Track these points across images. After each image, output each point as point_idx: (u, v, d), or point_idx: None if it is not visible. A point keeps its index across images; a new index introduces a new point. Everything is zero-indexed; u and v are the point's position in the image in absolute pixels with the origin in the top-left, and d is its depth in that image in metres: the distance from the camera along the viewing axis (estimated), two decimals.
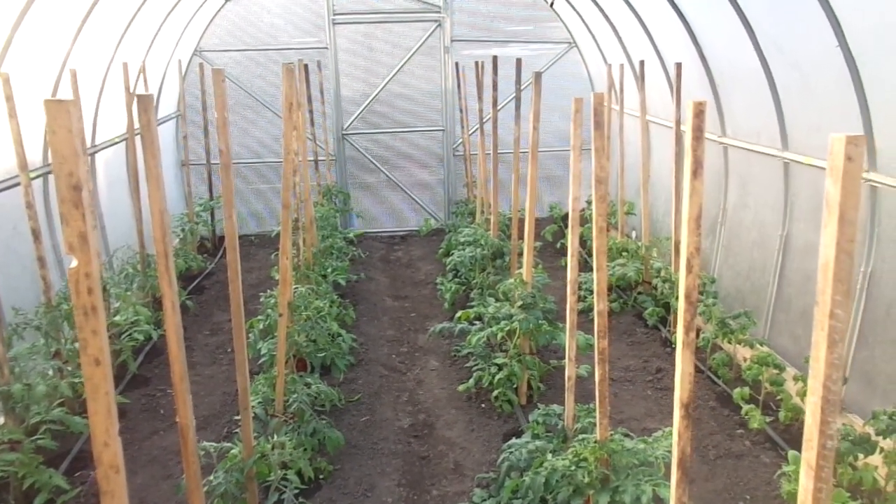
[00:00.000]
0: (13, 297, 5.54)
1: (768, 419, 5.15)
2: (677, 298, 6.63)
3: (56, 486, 4.40)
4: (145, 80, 8.33)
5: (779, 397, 5.20)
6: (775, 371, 5.20)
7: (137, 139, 7.61)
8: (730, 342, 5.85)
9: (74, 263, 1.62)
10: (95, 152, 7.39)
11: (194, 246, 9.57)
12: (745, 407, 5.14)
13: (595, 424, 3.73)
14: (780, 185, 5.85)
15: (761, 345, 5.70)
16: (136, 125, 7.78)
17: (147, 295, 7.54)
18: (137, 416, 5.82)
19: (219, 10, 10.40)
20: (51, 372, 5.09)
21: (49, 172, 6.44)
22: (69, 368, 5.31)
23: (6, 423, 4.68)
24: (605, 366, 3.39)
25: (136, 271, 7.40)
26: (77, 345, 5.58)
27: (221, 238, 10.91)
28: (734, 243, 6.77)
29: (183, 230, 9.36)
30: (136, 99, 2.27)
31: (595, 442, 3.56)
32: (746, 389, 5.25)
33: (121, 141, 8.03)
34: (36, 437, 4.60)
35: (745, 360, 5.92)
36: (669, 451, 3.58)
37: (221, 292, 8.37)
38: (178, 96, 10.39)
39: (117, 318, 6.09)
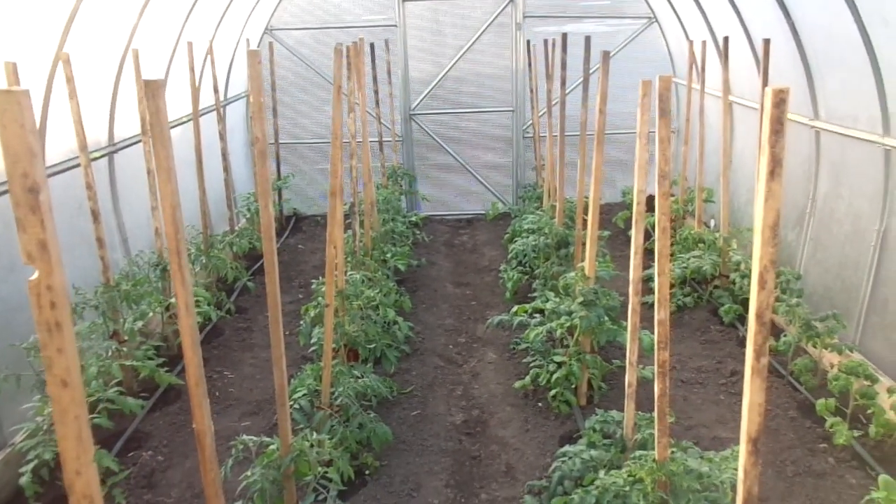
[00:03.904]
0: (78, 276, 5.60)
1: (856, 433, 4.64)
2: None
3: (106, 467, 4.40)
4: (212, 61, 8.33)
5: (869, 410, 4.68)
6: (867, 383, 4.69)
7: (202, 119, 7.62)
8: (815, 346, 5.33)
9: (35, 275, 1.44)
10: None
11: (260, 226, 9.60)
12: (830, 420, 4.66)
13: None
14: (879, 174, 5.25)
15: (851, 351, 5.16)
16: (202, 105, 7.80)
17: (210, 275, 7.60)
18: None
19: None
20: (110, 352, 5.13)
21: (114, 152, 6.51)
22: (125, 349, 5.34)
23: None
24: (666, 379, 3.05)
25: (200, 252, 7.45)
26: (136, 324, 5.67)
27: (288, 217, 10.95)
28: (824, 236, 6.18)
29: (249, 210, 9.39)
30: (145, 84, 2.08)
31: (653, 461, 3.23)
32: (832, 401, 4.75)
33: (188, 121, 8.07)
34: (92, 416, 4.62)
35: (831, 366, 5.40)
36: (737, 474, 3.21)
37: (283, 273, 8.35)
38: (248, 75, 10.40)
39: (174, 299, 6.09)
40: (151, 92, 2.14)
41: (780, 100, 1.81)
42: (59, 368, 1.48)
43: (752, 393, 2.09)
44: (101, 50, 6.11)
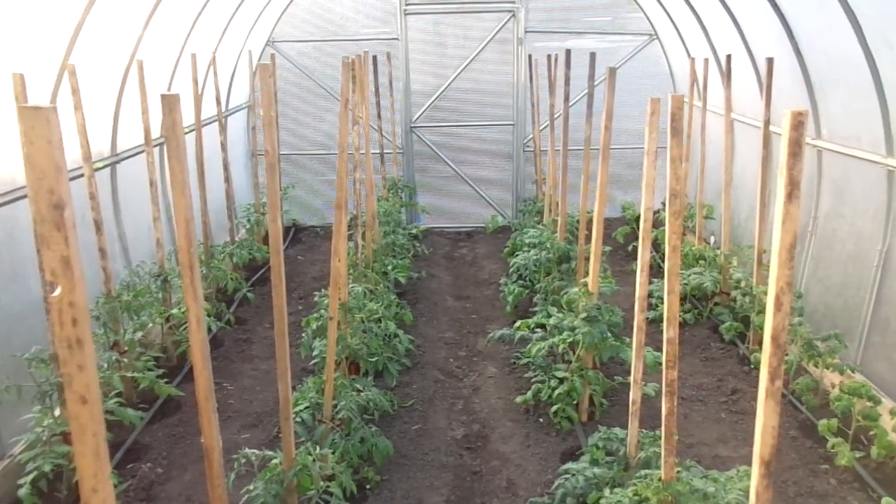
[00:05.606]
0: None
1: (858, 455, 4.64)
2: (758, 313, 6.15)
3: None
4: (215, 72, 8.34)
5: (872, 432, 4.68)
6: (869, 403, 4.68)
7: (205, 130, 7.62)
8: (816, 366, 5.34)
9: (58, 291, 1.43)
10: (162, 143, 7.44)
11: (260, 237, 9.57)
12: (832, 440, 4.65)
13: (660, 454, 3.39)
14: (881, 194, 5.28)
15: (853, 371, 5.17)
16: (204, 116, 7.81)
17: (210, 286, 7.57)
18: (191, 410, 5.78)
19: (292, 1, 10.36)
20: (110, 363, 5.10)
21: (116, 162, 6.50)
22: (125, 360, 5.31)
23: (61, 414, 4.69)
24: (674, 399, 3.04)
25: (201, 262, 7.43)
26: (136, 334, 5.64)
27: (287, 228, 10.93)
28: (825, 255, 6.20)
29: (249, 220, 9.38)
30: (162, 98, 2.08)
31: (659, 480, 3.22)
32: (834, 421, 4.75)
33: (190, 131, 8.07)
34: None
35: (833, 385, 5.40)
36: (743, 495, 3.20)
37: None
38: (249, 87, 10.43)
39: (175, 310, 6.07)
40: (168, 106, 2.14)
41: (799, 122, 1.82)
42: (79, 385, 1.47)
43: (765, 415, 2.08)
44: (105, 60, 6.11)
